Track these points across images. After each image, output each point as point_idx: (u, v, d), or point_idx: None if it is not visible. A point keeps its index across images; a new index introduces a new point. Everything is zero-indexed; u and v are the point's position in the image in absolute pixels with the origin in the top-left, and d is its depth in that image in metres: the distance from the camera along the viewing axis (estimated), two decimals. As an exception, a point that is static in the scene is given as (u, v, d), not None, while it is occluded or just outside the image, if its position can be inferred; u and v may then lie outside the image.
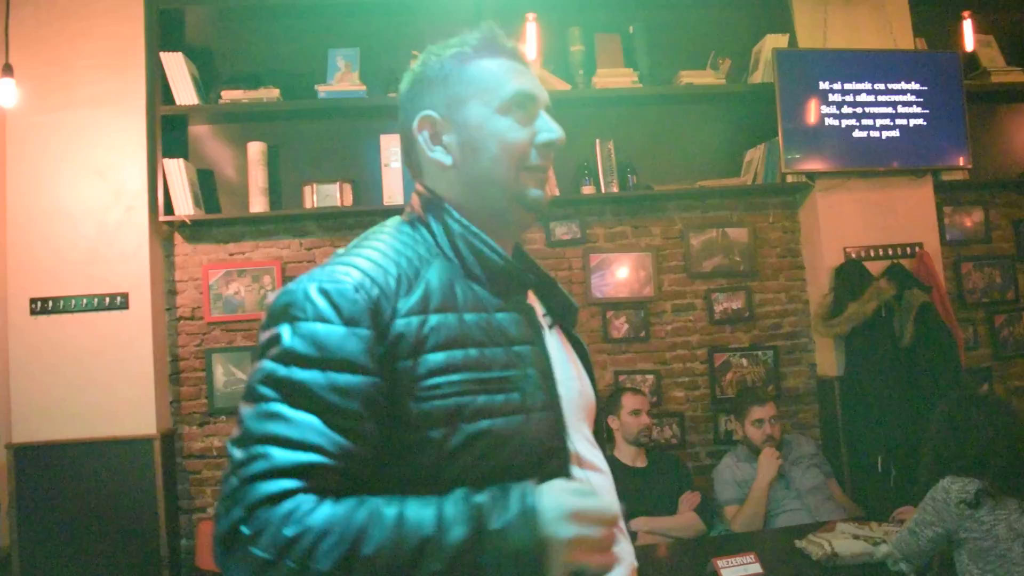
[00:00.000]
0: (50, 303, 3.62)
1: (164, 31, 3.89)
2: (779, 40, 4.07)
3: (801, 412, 4.20)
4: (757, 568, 2.61)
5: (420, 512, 0.97)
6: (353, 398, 1.02)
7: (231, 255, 3.95)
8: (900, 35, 4.16)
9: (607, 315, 4.10)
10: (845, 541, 2.74)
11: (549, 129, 1.24)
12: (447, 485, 1.02)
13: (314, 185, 3.87)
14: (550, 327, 1.31)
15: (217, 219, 3.88)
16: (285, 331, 1.05)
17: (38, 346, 3.61)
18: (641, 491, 3.51)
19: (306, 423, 1.00)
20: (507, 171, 1.21)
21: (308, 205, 3.86)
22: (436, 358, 1.07)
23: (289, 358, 1.03)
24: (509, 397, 1.10)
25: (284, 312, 1.07)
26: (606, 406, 3.76)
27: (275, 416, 1.00)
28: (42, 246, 3.65)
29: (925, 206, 4.15)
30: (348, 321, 1.05)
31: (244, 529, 0.94)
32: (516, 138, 1.21)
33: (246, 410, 1.03)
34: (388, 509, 0.97)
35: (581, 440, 1.24)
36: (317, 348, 1.03)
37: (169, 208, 3.70)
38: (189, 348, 3.89)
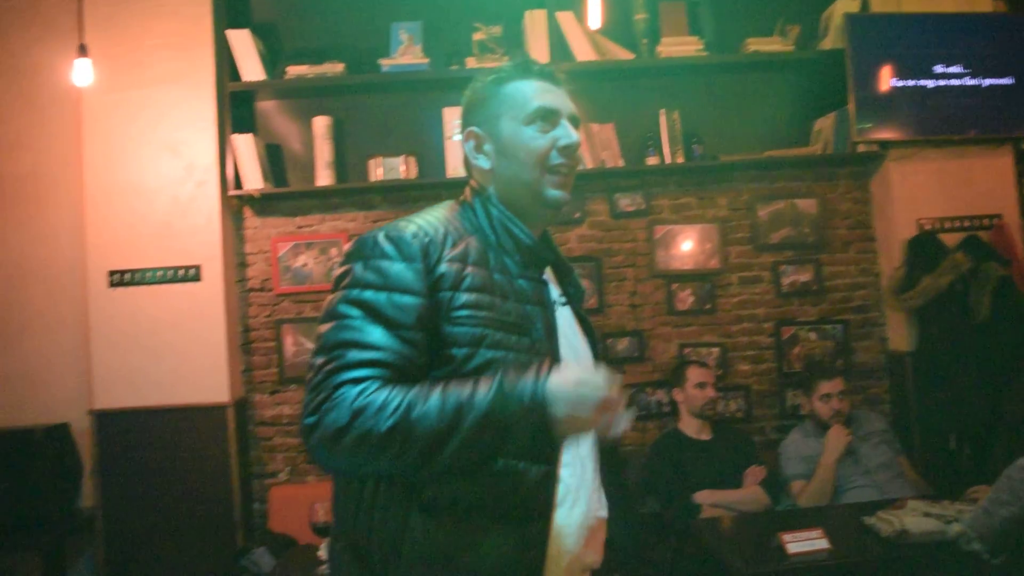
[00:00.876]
0: (127, 275, 3.74)
1: (230, 9, 3.95)
2: (850, 4, 3.94)
3: (871, 387, 4.12)
4: (824, 544, 2.58)
5: (459, 385, 1.26)
6: (408, 314, 1.32)
7: (299, 228, 4.02)
8: (979, -3, 4.00)
9: (672, 287, 4.07)
10: (916, 519, 2.67)
11: (567, 135, 1.50)
12: None
13: (379, 158, 3.90)
14: (563, 304, 1.58)
15: (285, 193, 3.95)
16: (358, 266, 1.36)
17: (116, 317, 3.73)
18: (705, 464, 3.50)
19: (374, 332, 1.29)
20: (532, 172, 1.49)
21: (373, 178, 3.90)
22: (469, 296, 1.36)
23: (361, 285, 1.33)
24: (520, 338, 1.40)
25: (357, 252, 1.38)
26: (670, 379, 3.75)
27: (350, 328, 1.30)
28: (119, 221, 3.76)
29: (1004, 176, 4.00)
30: (406, 258, 1.35)
31: (326, 407, 1.24)
32: (538, 144, 1.48)
33: (325, 327, 1.32)
34: (433, 386, 1.27)
35: None
36: (382, 277, 1.33)
37: (239, 182, 3.78)
38: (260, 319, 3.99)
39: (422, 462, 1.24)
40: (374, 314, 1.30)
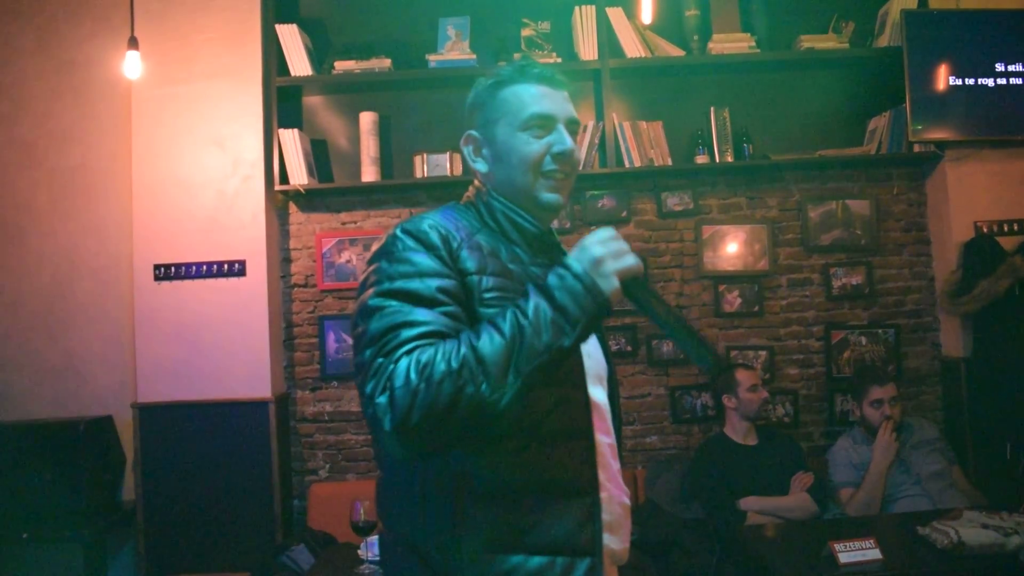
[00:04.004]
0: (172, 269, 3.76)
1: (279, 3, 3.96)
2: (908, 1, 3.84)
3: (923, 394, 4.01)
4: (877, 554, 2.50)
5: (502, 312, 1.29)
6: (444, 292, 1.33)
7: (343, 224, 4.01)
8: (1043, -7, 3.88)
9: (719, 289, 4.00)
10: (973, 530, 2.58)
11: (561, 141, 1.50)
12: None
13: (424, 155, 3.88)
14: None
15: (330, 188, 3.95)
16: (383, 263, 1.37)
17: (161, 310, 3.75)
18: (752, 469, 3.42)
19: (417, 312, 1.30)
20: (524, 176, 1.50)
21: (419, 175, 3.88)
22: (495, 280, 1.39)
23: (392, 277, 1.34)
24: None
25: (380, 252, 1.40)
26: (718, 383, 3.67)
27: (392, 314, 1.29)
28: (165, 214, 3.78)
29: (1066, 178, 3.88)
30: (428, 247, 1.37)
31: (392, 381, 1.21)
32: (531, 150, 1.49)
33: (363, 325, 1.31)
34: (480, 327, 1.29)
35: (594, 386, 1.50)
36: (411, 265, 1.35)
37: (284, 178, 3.79)
38: (303, 315, 3.99)
39: (502, 387, 1.22)
40: (413, 298, 1.31)
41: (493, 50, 3.95)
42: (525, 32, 3.89)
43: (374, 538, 2.74)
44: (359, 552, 2.77)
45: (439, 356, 1.22)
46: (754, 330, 4.01)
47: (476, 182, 1.60)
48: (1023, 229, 3.82)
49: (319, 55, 3.98)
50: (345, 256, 3.96)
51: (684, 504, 3.50)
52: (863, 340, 3.99)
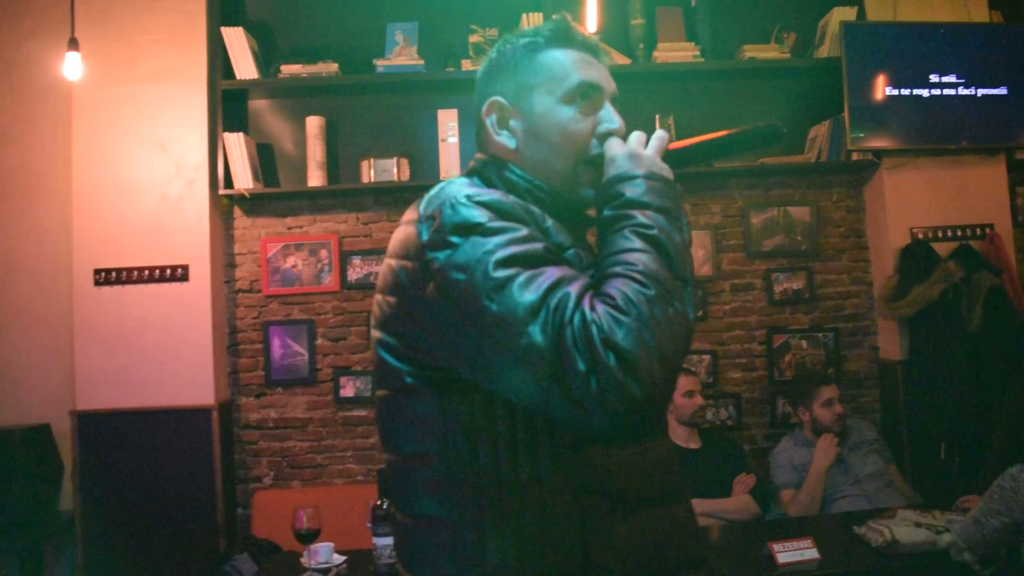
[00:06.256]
0: (113, 274, 3.70)
1: (225, 6, 3.92)
2: (847, 13, 3.94)
3: (862, 396, 4.10)
4: (814, 553, 2.56)
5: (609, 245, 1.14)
6: (550, 250, 1.12)
7: (289, 229, 3.98)
8: (975, 7, 3.99)
9: (663, 294, 4.04)
10: (906, 529, 2.66)
11: (611, 120, 1.29)
12: None
13: (371, 160, 3.87)
14: None
15: (275, 193, 3.92)
16: (476, 236, 1.09)
17: (101, 316, 3.69)
18: (694, 473, 3.47)
19: (557, 268, 1.08)
20: (566, 161, 1.27)
21: (365, 180, 3.87)
22: (586, 256, 1.22)
23: (504, 244, 1.08)
24: None
25: (460, 227, 1.11)
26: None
27: (538, 276, 1.06)
28: (106, 218, 3.72)
29: (997, 186, 4.00)
30: (515, 218, 1.13)
31: (604, 335, 1.00)
32: (577, 128, 1.27)
33: (505, 300, 1.05)
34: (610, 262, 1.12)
35: None
36: (515, 230, 1.10)
37: (229, 182, 3.75)
38: (247, 320, 3.95)
39: (684, 298, 1.09)
40: (542, 259, 1.09)
41: (441, 56, 3.95)
42: (473, 39, 3.90)
43: (317, 546, 2.72)
44: (302, 560, 2.75)
45: (626, 291, 1.04)
46: (698, 334, 4.06)
47: (480, 154, 1.36)
48: (956, 235, 3.93)
49: (265, 58, 3.95)
50: (291, 261, 3.93)
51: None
52: (804, 344, 4.07)
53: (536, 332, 1.02)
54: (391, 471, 1.27)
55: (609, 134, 1.27)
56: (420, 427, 1.19)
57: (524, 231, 1.10)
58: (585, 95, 1.28)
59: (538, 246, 1.09)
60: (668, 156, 1.24)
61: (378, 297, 1.24)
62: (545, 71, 1.29)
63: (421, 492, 1.20)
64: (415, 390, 1.19)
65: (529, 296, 1.04)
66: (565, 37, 1.32)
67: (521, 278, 1.05)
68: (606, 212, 1.17)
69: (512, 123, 1.31)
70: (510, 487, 1.13)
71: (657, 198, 1.15)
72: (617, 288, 1.05)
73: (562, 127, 1.27)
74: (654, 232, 1.11)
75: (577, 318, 1.02)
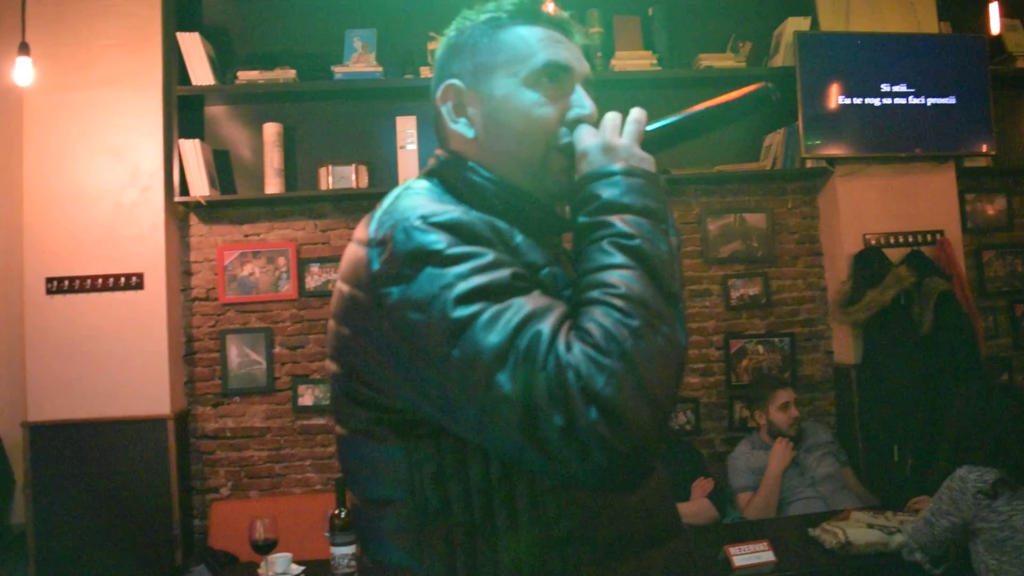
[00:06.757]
0: (66, 283, 3.63)
1: (181, 11, 3.87)
2: (801, 23, 4.00)
3: (817, 400, 4.16)
4: (770, 556, 2.60)
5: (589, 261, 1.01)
6: (519, 276, 0.98)
7: (246, 236, 3.95)
8: (924, 18, 4.08)
9: (622, 300, 4.07)
10: (859, 530, 2.71)
11: (582, 105, 1.14)
12: None
13: (329, 167, 3.85)
14: None
15: (232, 200, 3.88)
16: (430, 268, 0.96)
17: (54, 325, 3.62)
18: (654, 477, 3.49)
19: (527, 299, 0.95)
20: (532, 150, 1.13)
21: (323, 187, 3.85)
22: (563, 274, 1.10)
23: (464, 275, 0.95)
24: None
25: (417, 257, 0.97)
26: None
27: (502, 314, 0.92)
28: (58, 225, 3.65)
29: (947, 193, 4.09)
30: (481, 240, 1.00)
31: (581, 383, 0.88)
32: (542, 114, 1.12)
33: (467, 345, 0.92)
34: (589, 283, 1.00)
35: None
36: (478, 257, 0.97)
37: (185, 189, 3.70)
38: (204, 329, 3.90)
39: (673, 320, 0.96)
40: (509, 289, 0.95)
41: (399, 63, 3.95)
42: (432, 46, 3.90)
43: (275, 556, 2.70)
44: (260, 571, 2.72)
45: (606, 324, 0.91)
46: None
47: (440, 151, 1.19)
48: (908, 241, 4.01)
49: (222, 64, 3.92)
50: (248, 269, 3.90)
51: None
52: (760, 349, 4.12)
53: (505, 381, 0.90)
54: (355, 515, 1.16)
55: (579, 120, 1.13)
56: (384, 473, 1.06)
57: (489, 256, 0.97)
58: (553, 76, 1.14)
59: (505, 274, 0.95)
60: (648, 140, 1.12)
61: (331, 323, 1.10)
62: (507, 50, 1.14)
63: (387, 541, 1.08)
64: (376, 434, 1.06)
65: (494, 338, 0.91)
66: (531, 12, 1.17)
67: (485, 316, 0.92)
68: (580, 219, 1.04)
69: (470, 110, 1.16)
70: (484, 537, 1.01)
71: (639, 198, 1.02)
72: (596, 321, 0.92)
73: (525, 113, 1.12)
74: (636, 243, 0.98)
75: (551, 362, 0.89)
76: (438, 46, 1.24)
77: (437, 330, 0.93)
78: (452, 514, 1.02)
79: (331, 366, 1.11)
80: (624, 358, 0.89)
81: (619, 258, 0.97)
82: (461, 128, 1.16)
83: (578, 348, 0.90)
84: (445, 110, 1.18)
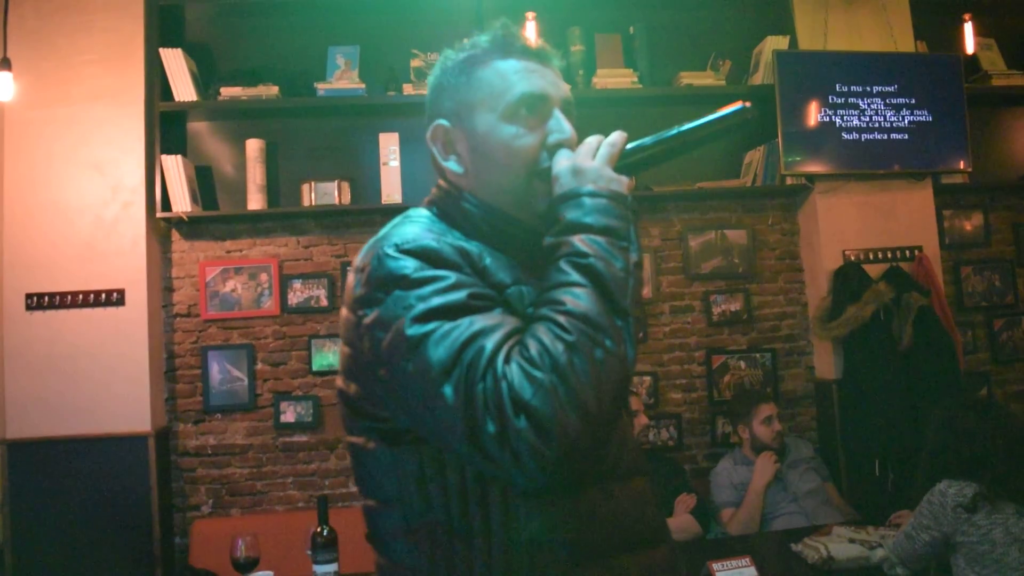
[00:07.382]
0: (46, 299, 3.61)
1: (164, 27, 3.87)
2: (780, 42, 4.06)
3: (799, 415, 4.18)
4: (753, 572, 2.60)
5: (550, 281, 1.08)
6: (487, 297, 1.08)
7: (228, 252, 3.94)
8: (901, 38, 4.15)
9: (605, 316, 4.08)
10: (841, 545, 2.72)
11: (560, 130, 1.21)
12: None
13: (312, 183, 3.85)
14: None
15: (215, 216, 3.87)
16: (398, 291, 1.07)
17: (33, 342, 3.59)
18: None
19: (479, 318, 1.03)
20: (515, 179, 1.20)
21: (306, 203, 3.85)
22: (530, 291, 1.15)
23: (425, 296, 1.05)
24: None
25: (387, 281, 1.08)
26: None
27: (452, 331, 1.02)
28: (38, 241, 3.63)
29: (925, 209, 4.14)
30: (448, 265, 1.09)
31: (513, 394, 0.97)
32: (521, 144, 1.19)
33: (418, 358, 1.02)
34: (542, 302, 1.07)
35: None
36: (440, 280, 1.06)
37: (167, 205, 3.69)
38: (185, 345, 3.88)
39: (619, 336, 1.03)
40: (462, 309, 1.04)
41: (382, 80, 3.96)
42: (414, 63, 3.92)
43: (256, 575, 2.68)
44: (241, 589, 2.70)
45: (543, 340, 0.99)
46: (639, 356, 4.09)
47: (441, 181, 1.29)
48: (887, 257, 4.05)
49: (205, 80, 3.91)
50: (230, 285, 3.88)
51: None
52: (742, 364, 4.15)
53: (448, 391, 0.99)
54: (364, 514, 1.26)
55: (559, 145, 1.20)
56: (380, 475, 1.18)
57: (451, 279, 1.06)
58: (531, 107, 1.20)
59: (461, 295, 1.04)
60: (628, 162, 1.18)
61: (340, 344, 1.22)
62: (484, 87, 1.21)
63: (387, 537, 1.20)
64: (371, 441, 1.18)
65: (442, 353, 1.01)
66: (504, 46, 1.23)
67: (437, 334, 1.02)
68: (547, 239, 1.12)
69: (458, 147, 1.24)
70: (461, 538, 1.10)
71: (600, 217, 1.09)
72: (535, 336, 1.01)
73: (506, 145, 1.19)
74: (589, 260, 1.05)
75: (489, 375, 0.98)
76: (429, 84, 1.31)
77: (398, 347, 1.04)
78: (434, 516, 1.12)
79: (338, 381, 1.23)
80: (556, 370, 0.97)
81: (573, 276, 1.05)
82: (451, 165, 1.25)
83: (515, 362, 0.99)
84: (436, 150, 1.27)
